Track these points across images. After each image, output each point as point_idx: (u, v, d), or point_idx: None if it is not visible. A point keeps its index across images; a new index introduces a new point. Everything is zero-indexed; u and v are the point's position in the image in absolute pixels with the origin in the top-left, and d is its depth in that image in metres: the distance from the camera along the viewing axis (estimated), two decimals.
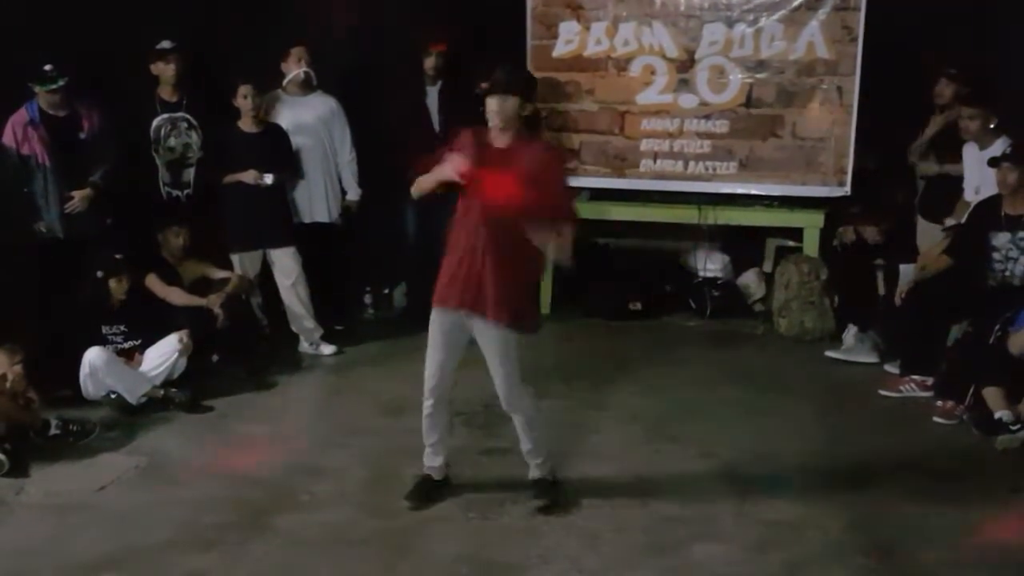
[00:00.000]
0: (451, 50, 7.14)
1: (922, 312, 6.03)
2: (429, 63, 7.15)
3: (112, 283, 5.93)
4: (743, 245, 8.02)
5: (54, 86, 5.99)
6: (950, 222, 6.46)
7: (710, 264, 7.91)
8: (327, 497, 4.72)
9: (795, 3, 7.24)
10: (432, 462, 4.67)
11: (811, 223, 7.41)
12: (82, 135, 6.20)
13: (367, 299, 7.90)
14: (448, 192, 4.28)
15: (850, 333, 6.82)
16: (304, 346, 6.90)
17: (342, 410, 5.96)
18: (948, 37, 6.90)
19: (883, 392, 6.04)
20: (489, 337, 4.32)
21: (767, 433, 5.45)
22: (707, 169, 7.57)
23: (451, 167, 4.15)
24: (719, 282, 7.89)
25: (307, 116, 6.93)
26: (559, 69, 7.68)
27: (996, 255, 5.85)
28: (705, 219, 7.53)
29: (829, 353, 6.76)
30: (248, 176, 6.51)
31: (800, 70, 7.31)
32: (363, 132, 7.10)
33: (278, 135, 6.74)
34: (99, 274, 5.92)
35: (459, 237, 4.30)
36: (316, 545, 4.29)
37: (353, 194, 7.18)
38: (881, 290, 6.86)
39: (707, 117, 7.53)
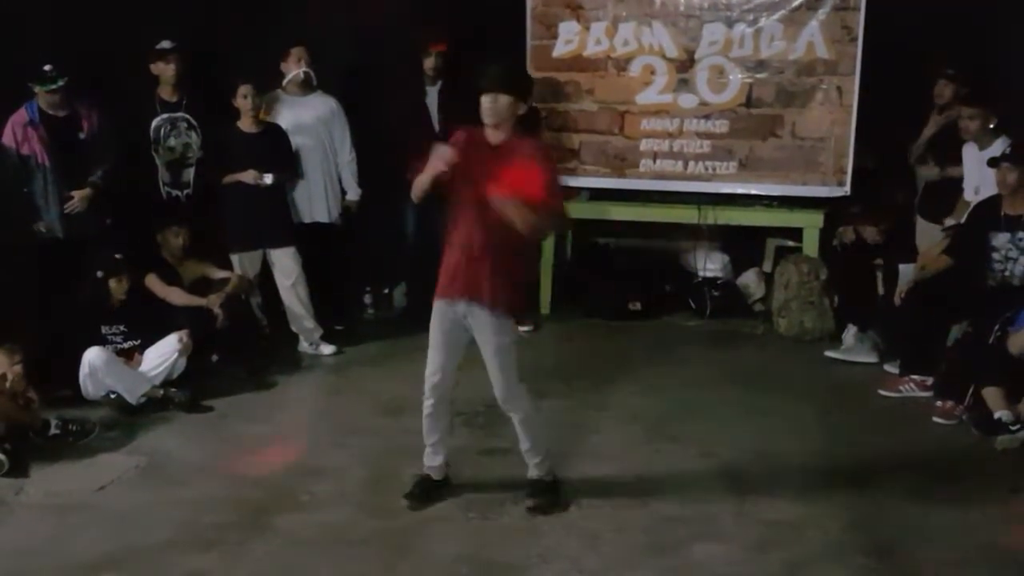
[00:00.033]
0: (451, 50, 7.14)
1: (922, 312, 6.03)
2: (429, 63, 7.15)
3: (112, 283, 5.94)
4: (743, 245, 8.03)
5: (54, 86, 6.00)
6: (950, 222, 6.46)
7: (710, 264, 7.91)
8: (327, 497, 4.72)
9: (795, 3, 7.24)
10: (432, 462, 4.67)
11: (811, 223, 7.42)
12: (82, 135, 6.21)
13: (367, 299, 7.90)
14: (444, 192, 4.29)
15: (850, 333, 6.83)
16: (304, 346, 6.90)
17: (342, 410, 5.96)
18: (948, 37, 6.89)
19: (883, 392, 6.04)
20: (485, 331, 4.33)
21: (767, 433, 5.45)
22: (707, 169, 7.57)
23: (438, 157, 4.16)
24: (719, 282, 7.90)
25: (307, 116, 6.93)
26: (559, 69, 7.68)
27: (996, 255, 5.85)
28: (705, 219, 7.53)
29: (829, 353, 6.76)
30: (248, 176, 6.51)
31: (800, 70, 7.31)
32: (363, 132, 7.10)
33: (278, 135, 6.74)
34: (99, 274, 5.93)
35: (456, 231, 4.34)
36: (316, 545, 4.29)
37: (353, 194, 7.18)
38: (880, 290, 6.86)
39: (707, 117, 7.53)
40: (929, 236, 6.67)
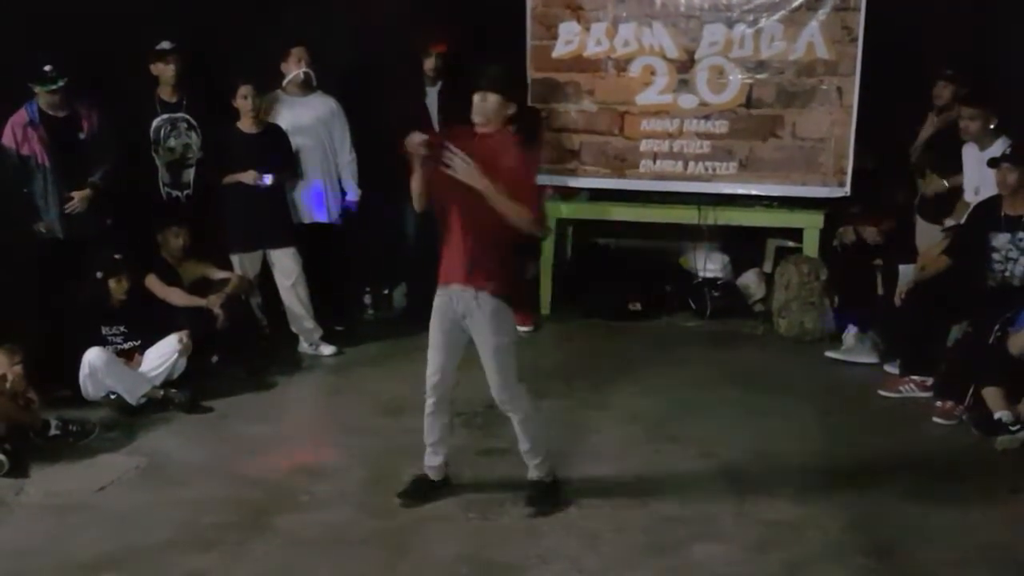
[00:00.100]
0: (451, 51, 7.14)
1: (922, 312, 6.03)
2: (429, 64, 7.16)
3: (112, 283, 5.94)
4: (743, 245, 8.03)
5: (54, 86, 5.99)
6: (950, 222, 6.46)
7: (710, 264, 7.91)
8: (327, 497, 4.72)
9: (795, 3, 7.23)
10: (431, 462, 4.67)
11: (811, 223, 7.41)
12: (82, 135, 6.21)
13: (367, 299, 7.90)
14: (439, 193, 4.32)
15: (850, 333, 6.82)
16: (304, 346, 6.90)
17: (342, 410, 5.96)
18: (948, 37, 6.90)
19: (883, 392, 6.04)
20: (484, 331, 4.33)
21: (767, 433, 5.45)
22: (707, 169, 7.56)
23: (411, 142, 4.20)
24: (719, 282, 7.89)
25: (307, 116, 6.93)
26: (559, 70, 7.67)
27: (996, 255, 5.85)
28: (705, 219, 7.53)
29: (829, 353, 6.76)
30: (248, 176, 6.52)
31: (800, 70, 7.30)
32: (363, 132, 7.10)
33: (278, 135, 6.74)
34: (99, 274, 5.93)
35: (445, 221, 4.37)
36: (316, 545, 4.29)
37: (353, 195, 7.17)
38: (880, 290, 6.86)
39: (707, 117, 7.52)
40: (929, 236, 6.67)
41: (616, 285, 7.87)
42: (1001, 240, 5.83)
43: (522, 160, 4.29)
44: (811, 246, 7.39)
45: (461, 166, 4.12)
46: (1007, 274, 5.83)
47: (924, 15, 6.86)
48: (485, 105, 4.28)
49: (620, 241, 8.39)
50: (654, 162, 7.65)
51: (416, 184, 4.32)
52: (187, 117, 6.67)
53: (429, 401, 4.53)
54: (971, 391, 5.50)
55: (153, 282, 6.27)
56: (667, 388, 6.19)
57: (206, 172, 6.68)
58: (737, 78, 7.42)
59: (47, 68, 5.95)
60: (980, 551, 4.22)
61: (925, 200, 6.86)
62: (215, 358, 6.39)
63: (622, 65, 7.58)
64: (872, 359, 6.58)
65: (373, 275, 7.89)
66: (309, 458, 5.19)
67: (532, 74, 7.66)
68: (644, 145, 7.64)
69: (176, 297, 6.31)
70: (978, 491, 4.75)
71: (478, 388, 4.53)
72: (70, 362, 5.73)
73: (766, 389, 6.17)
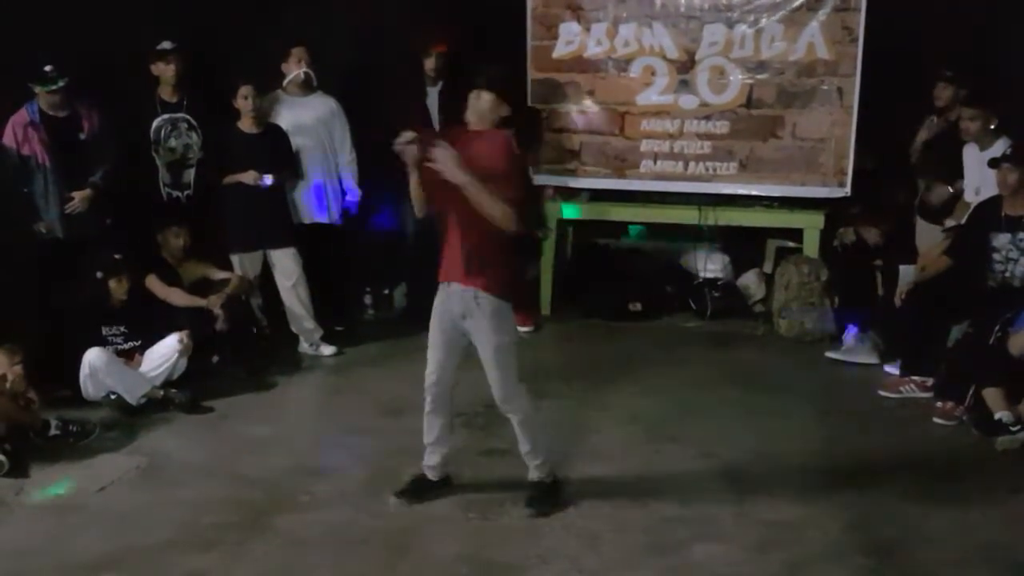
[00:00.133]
0: (451, 51, 7.14)
1: (922, 313, 6.03)
2: (429, 64, 7.16)
3: (112, 283, 5.94)
4: (743, 246, 8.02)
5: (54, 86, 6.00)
6: (950, 223, 6.46)
7: (710, 265, 7.90)
8: (327, 497, 4.72)
9: (795, 4, 7.22)
10: (429, 461, 4.68)
11: (811, 224, 7.41)
12: (82, 135, 6.21)
13: (367, 300, 7.90)
14: (436, 194, 4.32)
15: (850, 334, 6.82)
16: (304, 347, 6.90)
17: (342, 410, 5.96)
18: (948, 37, 6.89)
19: (883, 393, 6.03)
20: (483, 331, 4.33)
21: (767, 433, 5.45)
22: (707, 170, 7.56)
23: (400, 141, 4.21)
24: (719, 283, 7.88)
25: (307, 117, 6.93)
26: (559, 70, 7.66)
27: (996, 256, 5.85)
28: (705, 220, 7.53)
29: (829, 354, 6.75)
30: (248, 177, 6.52)
31: (800, 71, 7.29)
32: (363, 132, 7.10)
33: (278, 136, 6.75)
34: (99, 274, 5.93)
35: (444, 223, 4.39)
36: (316, 545, 4.29)
37: (353, 195, 7.17)
38: (880, 291, 6.86)
39: (707, 118, 7.51)
40: (929, 237, 6.66)
41: (616, 285, 7.87)
42: (1001, 240, 5.83)
43: (507, 157, 4.26)
44: (811, 246, 7.39)
45: (442, 157, 4.11)
46: (1007, 274, 5.83)
47: (924, 15, 6.85)
48: (479, 103, 4.31)
49: (620, 241, 8.38)
50: (654, 162, 7.64)
51: (414, 189, 4.34)
52: (187, 117, 6.67)
53: (427, 400, 4.54)
54: (971, 392, 5.50)
55: (153, 282, 6.27)
56: (667, 388, 6.19)
57: (206, 172, 6.68)
58: (737, 78, 7.41)
59: (48, 68, 5.96)
60: (980, 551, 4.22)
61: (926, 199, 6.86)
62: (215, 358, 6.39)
63: (622, 65, 7.58)
64: (872, 359, 6.57)
65: (373, 275, 7.89)
66: (309, 458, 5.18)
67: (532, 74, 7.66)
68: (644, 145, 7.63)
69: (176, 297, 6.31)
70: (978, 491, 4.76)
71: (479, 388, 4.53)
72: (70, 362, 5.73)
73: (766, 389, 6.17)
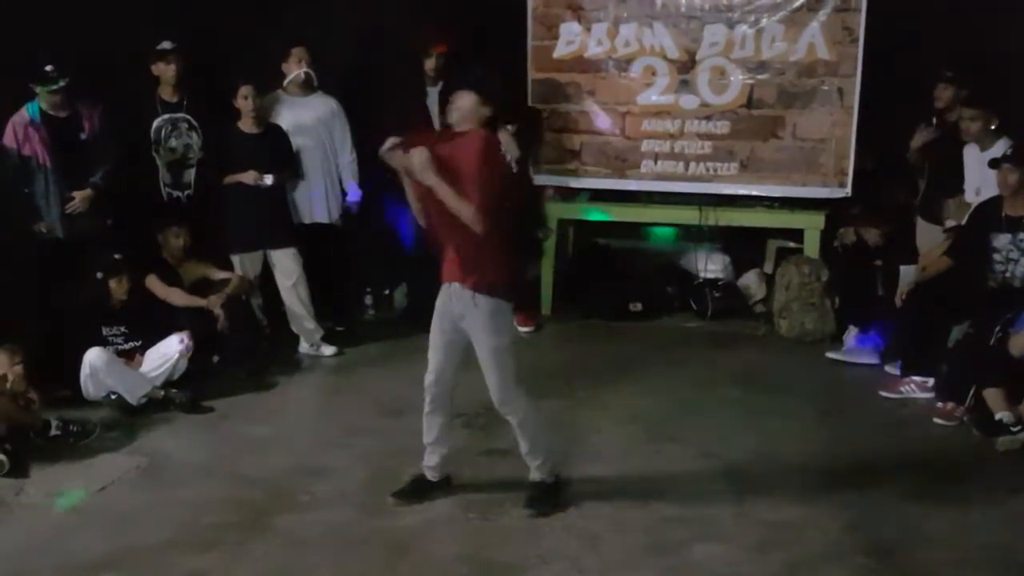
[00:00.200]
0: (451, 51, 7.14)
1: (922, 313, 6.03)
2: (430, 64, 7.15)
3: (112, 284, 5.94)
4: (744, 246, 8.02)
5: (55, 87, 6.00)
6: (950, 223, 6.45)
7: (711, 265, 7.90)
8: (327, 497, 4.72)
9: (796, 4, 7.22)
10: (429, 461, 4.68)
11: (812, 224, 7.40)
12: (83, 136, 6.21)
13: (367, 300, 7.89)
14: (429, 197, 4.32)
15: (851, 334, 6.82)
16: (304, 347, 6.90)
17: (342, 410, 5.96)
18: (948, 37, 6.89)
19: (883, 393, 6.03)
20: (481, 332, 4.33)
21: (767, 434, 5.45)
22: (708, 170, 7.55)
23: (384, 147, 4.27)
24: (720, 283, 7.88)
25: (307, 117, 6.93)
26: (560, 70, 7.66)
27: (996, 256, 5.85)
28: (706, 220, 7.53)
29: (829, 354, 6.75)
30: (248, 177, 6.52)
31: (801, 71, 7.29)
32: (363, 133, 7.09)
33: (278, 136, 6.75)
34: (99, 275, 5.93)
35: (441, 225, 4.36)
36: (316, 545, 4.29)
37: (353, 195, 7.17)
38: (880, 291, 6.86)
39: (708, 118, 7.51)
40: (930, 237, 6.66)
41: (616, 285, 7.87)
42: (1002, 241, 5.83)
43: (477, 158, 4.21)
44: (812, 247, 7.38)
45: (415, 160, 4.14)
46: (1008, 275, 5.83)
47: (924, 15, 6.85)
48: (460, 104, 4.31)
49: (620, 241, 8.38)
50: (655, 162, 7.64)
51: (409, 195, 4.36)
52: (188, 117, 6.67)
53: (427, 400, 4.54)
54: (972, 392, 5.49)
55: (154, 282, 6.27)
56: (668, 388, 6.19)
57: (207, 172, 6.68)
58: (738, 79, 7.41)
59: (48, 68, 5.96)
60: (980, 551, 4.22)
61: (926, 199, 6.86)
62: (216, 358, 6.40)
63: (623, 66, 7.57)
64: (872, 360, 6.57)
65: (374, 275, 7.89)
66: (309, 458, 5.18)
67: (533, 74, 7.66)
68: (645, 145, 7.63)
69: (176, 297, 6.31)
70: (978, 491, 4.76)
71: (479, 389, 4.52)
72: (70, 362, 5.74)
73: (767, 389, 6.17)
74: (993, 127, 6.19)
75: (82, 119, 6.20)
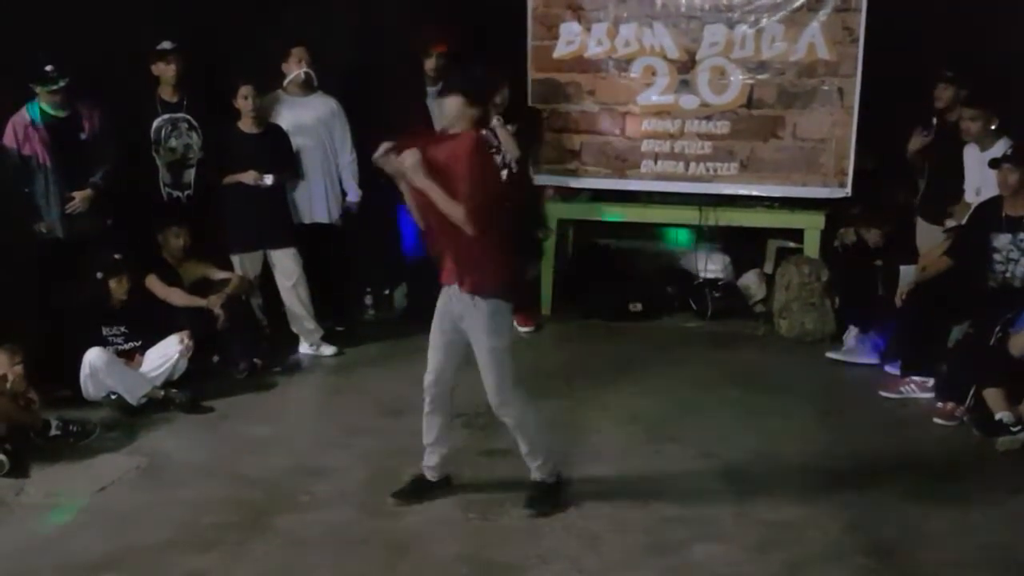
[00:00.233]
0: (451, 51, 7.14)
1: (923, 313, 6.03)
2: (430, 64, 7.15)
3: (112, 284, 5.94)
4: (744, 246, 8.02)
5: (55, 87, 6.00)
6: (950, 223, 6.45)
7: (711, 265, 7.90)
8: (327, 497, 4.72)
9: (796, 4, 7.21)
10: (428, 462, 4.68)
11: (812, 224, 7.40)
12: (83, 136, 6.21)
13: (367, 300, 7.89)
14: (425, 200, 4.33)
15: (851, 334, 6.82)
16: (304, 347, 6.90)
17: (342, 410, 5.96)
18: (948, 37, 6.89)
19: (883, 393, 6.03)
20: (479, 332, 4.33)
21: (767, 434, 5.45)
22: (708, 170, 7.55)
23: (378, 152, 4.28)
24: (720, 283, 7.88)
25: (307, 117, 6.93)
26: (560, 70, 7.65)
27: (997, 256, 5.85)
28: (706, 220, 7.53)
29: (830, 354, 6.75)
30: (248, 177, 6.52)
31: (801, 71, 7.29)
32: (364, 133, 7.09)
33: (278, 136, 6.74)
34: (99, 275, 5.93)
35: (439, 228, 4.36)
36: (316, 545, 4.29)
37: (353, 195, 7.17)
38: (880, 291, 6.86)
39: (708, 118, 7.50)
40: (930, 237, 6.66)
41: (616, 286, 7.87)
42: (1002, 241, 5.83)
43: (467, 159, 4.21)
44: (812, 247, 7.38)
45: (407, 162, 4.16)
46: (1008, 275, 5.83)
47: (924, 15, 6.85)
48: (448, 107, 4.33)
49: (620, 241, 8.38)
50: (655, 162, 7.64)
51: (409, 202, 4.37)
52: (188, 117, 6.67)
53: (427, 400, 4.55)
54: (972, 392, 5.49)
55: (154, 282, 6.27)
56: (668, 388, 6.19)
57: (207, 172, 6.68)
58: (738, 79, 7.40)
59: (48, 68, 5.96)
60: (980, 551, 4.22)
61: (926, 199, 6.86)
62: (216, 358, 6.40)
63: (623, 66, 7.57)
64: (872, 360, 6.57)
65: (374, 276, 7.88)
66: (309, 458, 5.18)
67: (533, 74, 7.66)
68: (645, 145, 7.62)
69: (176, 297, 6.31)
70: (978, 491, 4.76)
71: (479, 389, 4.52)
72: (70, 362, 5.74)
73: (767, 389, 6.17)
74: (993, 127, 6.19)
75: (82, 119, 6.20)
